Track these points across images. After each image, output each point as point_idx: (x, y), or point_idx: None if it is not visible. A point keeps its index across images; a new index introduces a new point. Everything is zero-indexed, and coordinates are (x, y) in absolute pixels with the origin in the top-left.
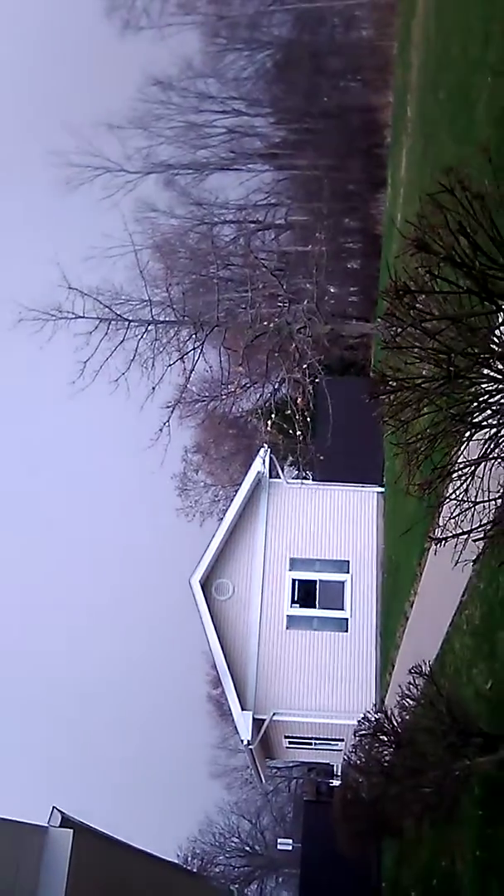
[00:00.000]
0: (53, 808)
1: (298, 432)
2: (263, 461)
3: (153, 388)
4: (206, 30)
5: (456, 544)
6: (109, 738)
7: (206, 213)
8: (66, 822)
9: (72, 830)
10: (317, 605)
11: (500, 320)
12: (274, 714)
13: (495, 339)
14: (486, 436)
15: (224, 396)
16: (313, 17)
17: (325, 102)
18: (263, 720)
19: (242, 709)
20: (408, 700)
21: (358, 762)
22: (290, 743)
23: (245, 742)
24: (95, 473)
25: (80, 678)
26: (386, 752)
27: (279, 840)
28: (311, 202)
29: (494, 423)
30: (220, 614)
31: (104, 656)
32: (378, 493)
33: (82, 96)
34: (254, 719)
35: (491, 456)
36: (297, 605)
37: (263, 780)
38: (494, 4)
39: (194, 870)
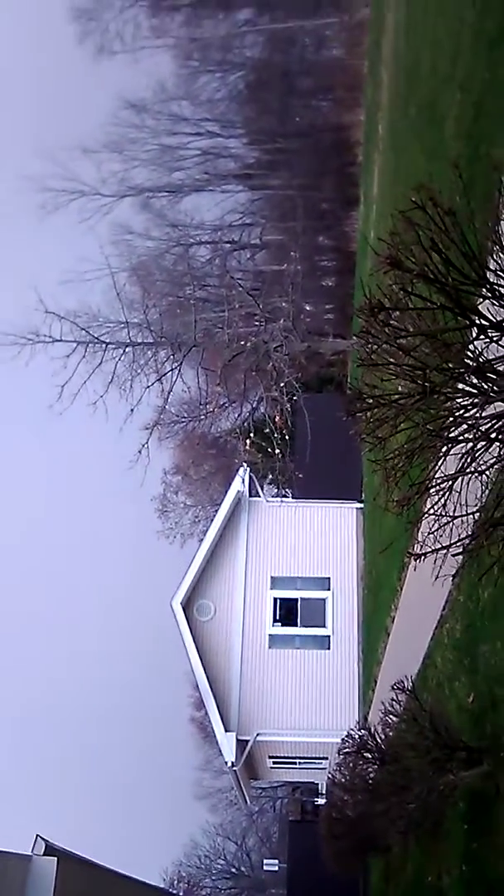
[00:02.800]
0: (37, 836)
1: (277, 450)
2: (243, 480)
3: (132, 410)
4: (178, 52)
5: (435, 559)
6: (92, 764)
7: (181, 235)
8: (50, 849)
9: (56, 858)
10: (298, 624)
11: (474, 335)
12: (258, 734)
13: (469, 354)
14: (463, 450)
15: (203, 416)
16: (284, 37)
17: (297, 122)
18: (247, 741)
19: (226, 730)
20: (391, 716)
21: (343, 780)
22: (274, 763)
23: (229, 764)
24: (75, 497)
25: (60, 703)
26: (370, 769)
27: (265, 861)
28: (286, 221)
29: (470, 437)
30: (202, 635)
31: (85, 680)
32: (357, 509)
33: (56, 121)
34: (237, 740)
35: (467, 470)
36: (279, 624)
37: (248, 801)
38: (463, 20)
39: (181, 894)
